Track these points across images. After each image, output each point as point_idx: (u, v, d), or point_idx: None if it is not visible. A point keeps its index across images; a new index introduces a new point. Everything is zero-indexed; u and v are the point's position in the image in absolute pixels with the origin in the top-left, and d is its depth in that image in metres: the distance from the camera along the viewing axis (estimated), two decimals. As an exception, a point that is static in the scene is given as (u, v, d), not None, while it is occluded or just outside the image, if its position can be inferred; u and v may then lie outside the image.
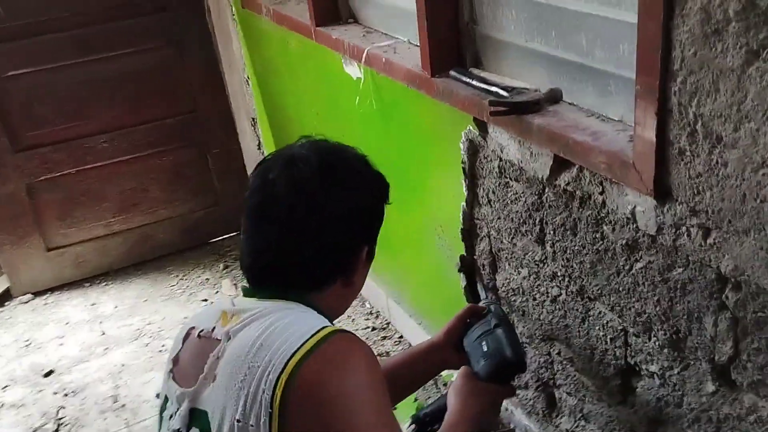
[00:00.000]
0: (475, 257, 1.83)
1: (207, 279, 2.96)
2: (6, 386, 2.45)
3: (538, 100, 1.43)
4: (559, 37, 1.43)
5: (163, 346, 2.57)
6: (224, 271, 2.99)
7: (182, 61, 3.01)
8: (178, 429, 1.05)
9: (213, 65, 3.08)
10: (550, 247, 1.51)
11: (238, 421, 0.97)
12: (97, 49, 2.88)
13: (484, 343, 1.38)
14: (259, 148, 3.50)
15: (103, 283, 3.01)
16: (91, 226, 3.03)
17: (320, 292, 1.13)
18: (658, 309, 1.26)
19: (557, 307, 1.57)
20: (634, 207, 1.23)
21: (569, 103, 1.43)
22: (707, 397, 1.23)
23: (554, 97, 1.44)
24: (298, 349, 0.98)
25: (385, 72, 1.95)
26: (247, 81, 3.31)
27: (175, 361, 1.13)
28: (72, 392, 2.38)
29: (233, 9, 3.15)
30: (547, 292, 1.58)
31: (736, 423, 1.19)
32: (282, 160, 1.13)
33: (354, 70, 2.17)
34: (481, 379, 1.32)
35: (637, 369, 1.38)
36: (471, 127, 1.65)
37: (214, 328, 1.09)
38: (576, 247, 1.43)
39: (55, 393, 2.39)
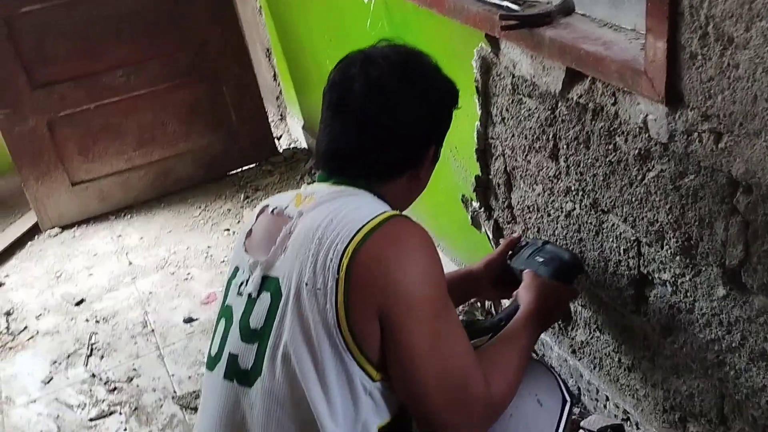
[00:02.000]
0: (490, 177, 1.84)
1: (228, 209, 3.00)
2: (40, 315, 2.55)
3: (550, 12, 1.41)
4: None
5: (188, 274, 2.64)
6: (245, 201, 3.04)
7: (192, -8, 2.98)
8: (250, 293, 1.14)
9: (224, -5, 3.04)
10: (564, 161, 1.52)
11: (306, 284, 1.06)
12: (108, -15, 2.86)
13: (537, 257, 1.47)
14: (275, 79, 3.50)
15: (128, 216, 3.07)
16: (113, 161, 3.07)
17: (387, 183, 1.21)
18: (670, 217, 1.27)
19: (571, 222, 1.58)
20: (646, 116, 1.23)
21: (581, 15, 1.41)
22: (718, 302, 1.25)
23: (566, 8, 1.42)
24: (363, 226, 1.07)
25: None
26: (259, 10, 3.28)
27: (249, 234, 1.23)
28: (103, 319, 2.47)
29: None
30: (562, 208, 1.60)
31: (746, 325, 1.22)
32: (362, 57, 1.20)
33: (366, -7, 2.14)
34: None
35: (650, 278, 1.40)
36: (483, 44, 1.64)
37: (287, 206, 1.19)
38: (589, 160, 1.43)
39: (87, 320, 2.48)
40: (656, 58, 1.12)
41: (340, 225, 1.08)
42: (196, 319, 2.40)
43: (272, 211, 1.21)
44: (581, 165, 1.46)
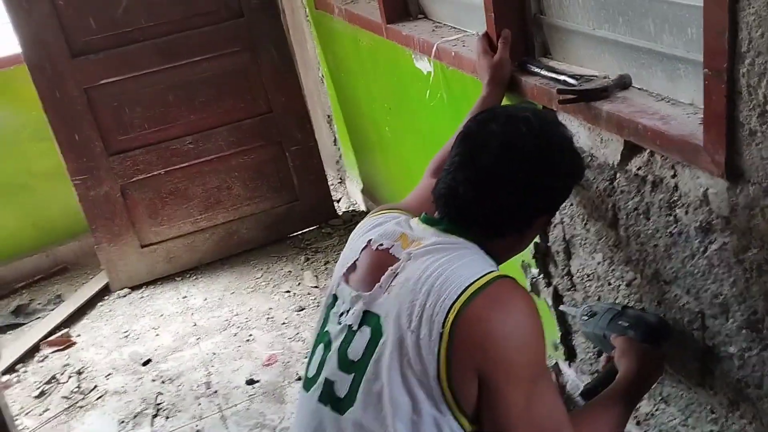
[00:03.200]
0: (548, 244, 1.85)
1: (289, 271, 3.07)
2: (109, 374, 2.63)
3: (607, 86, 1.45)
4: (627, 24, 1.44)
5: (250, 335, 2.70)
6: (305, 264, 3.10)
7: (259, 63, 3.12)
8: (350, 325, 1.19)
9: (288, 66, 3.18)
10: (624, 231, 1.52)
11: (412, 331, 1.10)
12: (179, 55, 3.03)
13: (621, 321, 1.46)
14: (335, 144, 3.60)
15: (193, 277, 3.17)
16: (180, 224, 3.19)
17: (495, 239, 1.25)
18: (734, 290, 1.26)
19: (632, 291, 1.58)
20: (707, 189, 1.24)
21: (638, 89, 1.44)
22: (788, 378, 1.23)
23: (623, 83, 1.46)
24: (471, 284, 1.11)
25: (455, 65, 1.99)
26: (321, 79, 3.42)
27: (351, 267, 1.28)
28: (168, 379, 2.54)
29: (307, 10, 3.26)
30: (622, 277, 1.60)
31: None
32: (505, 115, 1.26)
33: (424, 65, 2.22)
34: None
35: (715, 351, 1.38)
36: (541, 116, 1.68)
37: (392, 246, 1.23)
38: (649, 231, 1.44)
39: (153, 380, 2.56)
40: (715, 134, 1.14)
41: (449, 280, 1.12)
42: (258, 381, 2.45)
43: (376, 247, 1.25)
44: (642, 235, 1.47)
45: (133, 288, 3.16)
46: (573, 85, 1.50)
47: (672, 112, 1.32)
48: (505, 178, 1.21)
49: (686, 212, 1.31)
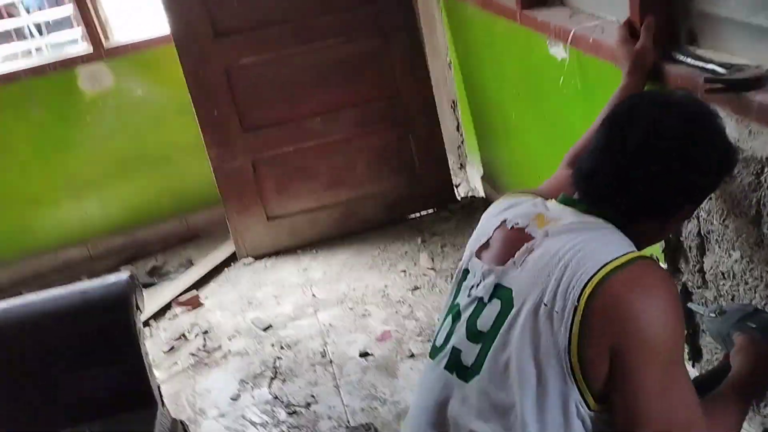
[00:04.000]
0: (681, 239, 1.80)
1: (406, 252, 3.13)
2: (232, 336, 2.79)
3: (760, 76, 1.38)
4: (788, 11, 1.37)
5: (366, 310, 2.78)
6: (422, 245, 3.15)
7: (389, 49, 3.19)
8: (481, 297, 1.22)
9: (418, 52, 3.23)
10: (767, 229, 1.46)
11: (546, 304, 1.11)
12: (314, 38, 3.14)
13: (750, 322, 1.40)
14: (458, 130, 3.62)
15: (313, 251, 3.29)
16: (305, 199, 3.32)
17: (634, 224, 1.23)
18: None
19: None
20: None
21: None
22: None
23: (778, 74, 1.39)
24: (610, 261, 1.10)
25: (592, 52, 1.95)
26: (449, 65, 3.44)
27: (485, 244, 1.30)
28: (287, 346, 2.66)
29: (439, -2, 3.28)
30: (761, 277, 1.53)
31: None
32: (657, 99, 1.27)
33: (559, 51, 2.19)
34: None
35: None
36: (683, 106, 1.62)
37: (527, 225, 1.24)
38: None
39: (273, 345, 2.69)
40: None
41: (588, 257, 1.12)
42: (372, 355, 2.52)
43: (511, 226, 1.27)
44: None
45: (257, 257, 3.32)
46: (722, 75, 1.44)
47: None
48: (652, 163, 1.18)
49: (841, 211, 1.24)
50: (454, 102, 3.55)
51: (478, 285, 1.24)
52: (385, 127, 3.30)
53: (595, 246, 1.15)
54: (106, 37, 3.37)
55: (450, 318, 1.28)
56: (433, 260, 3.02)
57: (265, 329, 2.79)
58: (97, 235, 3.63)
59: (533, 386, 1.10)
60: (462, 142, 3.63)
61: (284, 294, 3.01)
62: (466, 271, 1.31)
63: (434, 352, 1.28)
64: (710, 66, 1.48)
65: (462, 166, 3.72)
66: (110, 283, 1.86)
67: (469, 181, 3.62)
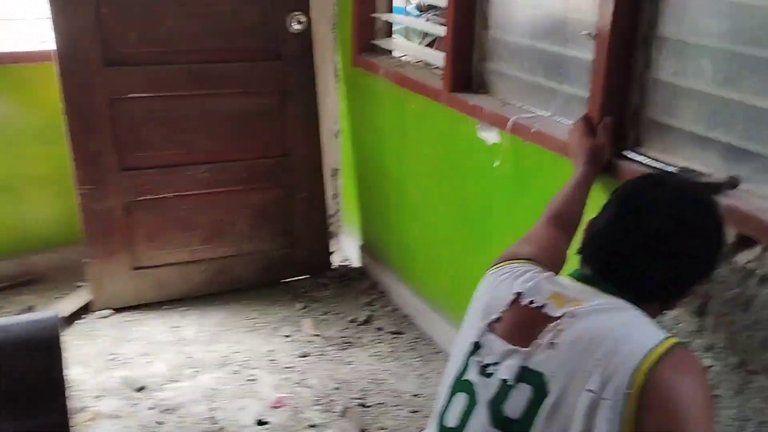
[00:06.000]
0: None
1: (287, 316, 3.03)
2: (99, 396, 2.47)
3: (720, 184, 1.60)
4: (745, 131, 1.61)
5: (252, 375, 2.62)
6: (303, 311, 3.07)
7: (285, 107, 3.16)
8: (505, 379, 1.18)
9: (313, 115, 3.23)
10: (713, 320, 1.64)
11: (592, 391, 1.11)
12: (212, 85, 3.02)
13: None
14: (334, 198, 3.64)
15: (182, 308, 3.06)
16: (178, 251, 3.10)
17: (644, 304, 1.26)
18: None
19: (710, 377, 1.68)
20: (830, 287, 1.38)
21: (746, 190, 1.60)
22: None
23: (734, 182, 1.61)
24: (656, 346, 1.13)
25: (534, 140, 2.11)
26: (336, 134, 3.48)
27: (498, 319, 1.27)
28: (168, 409, 2.41)
29: (337, 66, 3.35)
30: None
31: None
32: (675, 185, 1.33)
33: (491, 136, 2.34)
34: None
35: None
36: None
37: (545, 304, 1.24)
38: (747, 323, 1.56)
39: (151, 408, 2.42)
40: None
41: (627, 341, 1.14)
42: (268, 423, 2.37)
43: (528, 303, 1.26)
44: (736, 325, 1.59)
45: (117, 310, 3.01)
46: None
47: (790, 214, 1.47)
48: (672, 246, 1.26)
49: (797, 306, 1.45)
50: (335, 170, 3.58)
51: (496, 364, 1.21)
52: (271, 185, 3.22)
53: (631, 330, 1.17)
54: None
55: (463, 396, 1.24)
56: (317, 327, 2.95)
57: (138, 390, 2.51)
58: None
59: None
60: (337, 212, 3.65)
61: (155, 352, 2.74)
62: (476, 345, 1.27)
63: None
64: (668, 168, 1.68)
65: (334, 235, 3.72)
66: (36, 320, 1.58)
67: (342, 251, 3.63)
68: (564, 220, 1.68)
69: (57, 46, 2.76)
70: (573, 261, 1.44)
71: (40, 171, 3.16)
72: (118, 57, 2.87)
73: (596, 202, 1.87)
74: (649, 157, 1.80)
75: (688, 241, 1.28)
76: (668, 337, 1.18)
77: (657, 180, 1.37)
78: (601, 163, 1.81)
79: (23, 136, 3.12)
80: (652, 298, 1.31)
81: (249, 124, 3.12)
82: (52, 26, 2.74)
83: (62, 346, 1.58)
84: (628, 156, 1.83)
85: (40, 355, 1.55)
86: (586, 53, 1.95)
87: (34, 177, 3.17)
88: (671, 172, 1.41)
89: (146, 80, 2.93)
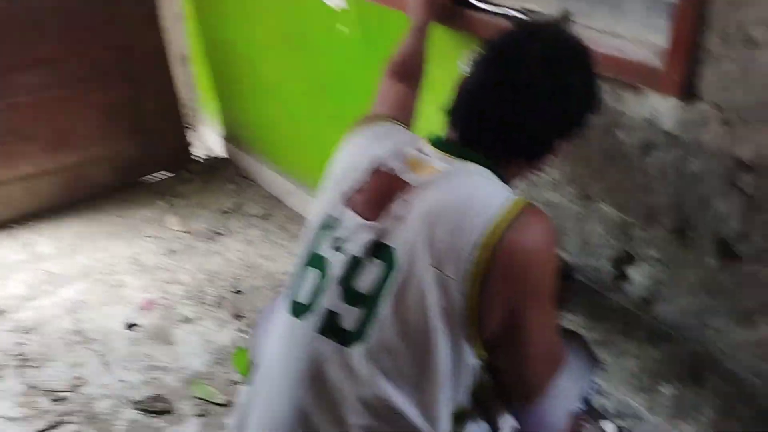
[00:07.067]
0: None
1: (149, 216, 2.89)
2: (-50, 326, 2.30)
3: (556, 20, 1.58)
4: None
5: (118, 280, 2.51)
6: (166, 208, 2.94)
7: (117, -7, 2.88)
8: (355, 255, 1.13)
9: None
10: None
11: (435, 267, 1.06)
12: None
13: None
14: (188, 87, 3.43)
15: (34, 225, 2.85)
16: (21, 165, 2.84)
17: (509, 164, 1.21)
18: (670, 199, 1.47)
19: (553, 211, 1.74)
20: (657, 109, 1.42)
21: (581, 24, 1.59)
22: (708, 271, 1.46)
23: (566, 17, 1.60)
24: (499, 214, 1.07)
25: (378, 1, 2.02)
26: (179, 17, 3.23)
27: (353, 189, 1.20)
28: (29, 329, 2.28)
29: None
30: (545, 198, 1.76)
31: (734, 289, 1.43)
32: (540, 32, 1.20)
33: (336, 1, 2.22)
34: None
35: (634, 256, 1.59)
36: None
37: (401, 168, 1.17)
38: (586, 154, 1.61)
39: (10, 331, 2.28)
40: (678, 57, 1.32)
41: (473, 211, 1.08)
42: (138, 325, 2.29)
43: (385, 169, 1.19)
44: (572, 156, 1.64)
45: (-41, 235, 2.77)
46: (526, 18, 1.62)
47: (619, 44, 1.49)
48: (542, 98, 1.16)
49: (631, 133, 1.50)
50: (183, 57, 3.36)
51: (348, 239, 1.15)
52: (113, 81, 2.97)
53: (478, 199, 1.10)
54: None
55: (316, 272, 1.18)
56: (184, 222, 2.84)
57: (-6, 314, 2.35)
58: None
59: (429, 355, 1.08)
60: (193, 101, 3.46)
61: (8, 274, 2.56)
62: (330, 218, 1.21)
63: (298, 310, 1.18)
64: (512, 13, 1.65)
65: (192, 127, 3.54)
66: None
67: (204, 142, 3.47)
68: (407, 72, 1.63)
69: None
70: (434, 121, 1.38)
71: None
72: None
73: (446, 57, 1.85)
74: (496, 5, 1.75)
75: (559, 90, 1.17)
76: (513, 200, 1.10)
77: (525, 31, 1.23)
78: (434, 9, 1.73)
79: None
80: (519, 155, 1.22)
81: (78, 16, 2.82)
82: None
83: None
84: (475, 4, 1.78)
85: None
86: None
87: None
88: (537, 22, 1.29)
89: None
